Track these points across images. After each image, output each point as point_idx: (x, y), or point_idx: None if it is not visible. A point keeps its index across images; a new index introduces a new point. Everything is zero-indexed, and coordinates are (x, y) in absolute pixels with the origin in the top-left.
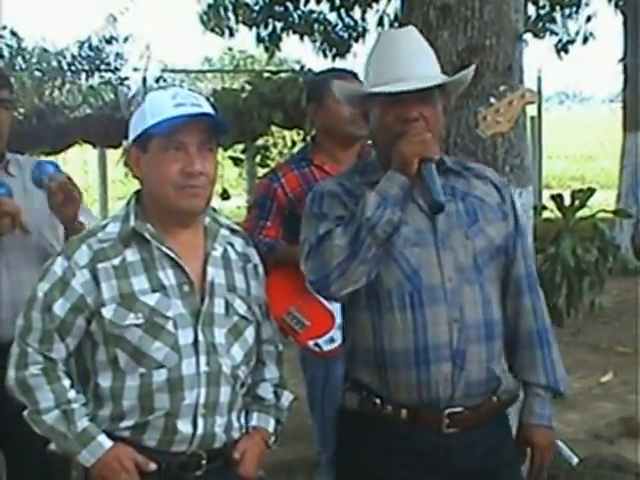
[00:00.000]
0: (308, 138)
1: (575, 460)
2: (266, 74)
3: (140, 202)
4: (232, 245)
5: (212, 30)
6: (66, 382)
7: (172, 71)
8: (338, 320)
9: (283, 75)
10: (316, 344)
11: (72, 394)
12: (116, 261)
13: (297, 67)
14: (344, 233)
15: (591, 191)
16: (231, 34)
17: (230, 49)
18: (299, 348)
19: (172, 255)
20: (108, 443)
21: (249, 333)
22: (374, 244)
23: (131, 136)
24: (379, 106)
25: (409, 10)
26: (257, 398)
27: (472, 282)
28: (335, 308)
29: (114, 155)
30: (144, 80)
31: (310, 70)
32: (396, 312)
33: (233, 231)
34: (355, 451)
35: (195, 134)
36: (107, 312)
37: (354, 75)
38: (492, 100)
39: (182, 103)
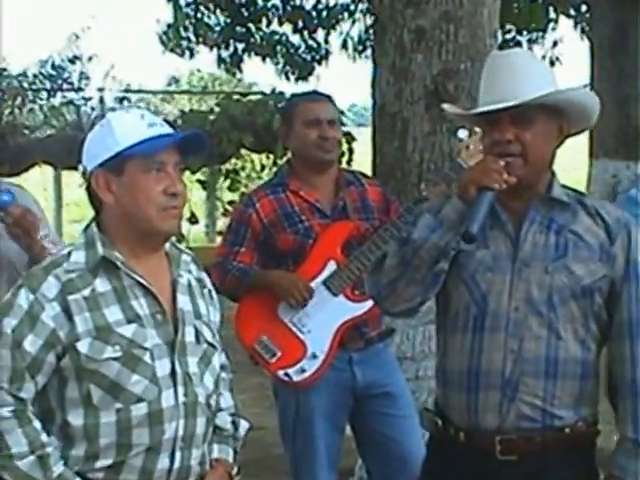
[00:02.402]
0: (278, 162)
1: None
2: (236, 96)
3: (102, 229)
4: (190, 271)
5: (172, 50)
6: (37, 424)
7: (139, 91)
8: (310, 350)
9: (253, 97)
10: (286, 374)
11: (45, 437)
12: (86, 292)
13: (268, 90)
14: (396, 253)
15: None
16: (191, 55)
17: (199, 70)
18: (272, 377)
19: (144, 283)
20: None
21: (216, 360)
22: (422, 266)
23: (96, 160)
24: (484, 127)
25: (382, 33)
26: (217, 429)
27: (541, 316)
28: (308, 337)
29: (69, 177)
30: (101, 99)
31: (281, 93)
32: (459, 334)
33: (188, 255)
34: (425, 474)
35: (173, 154)
36: (82, 346)
37: (329, 98)
38: (476, 129)
39: (154, 123)
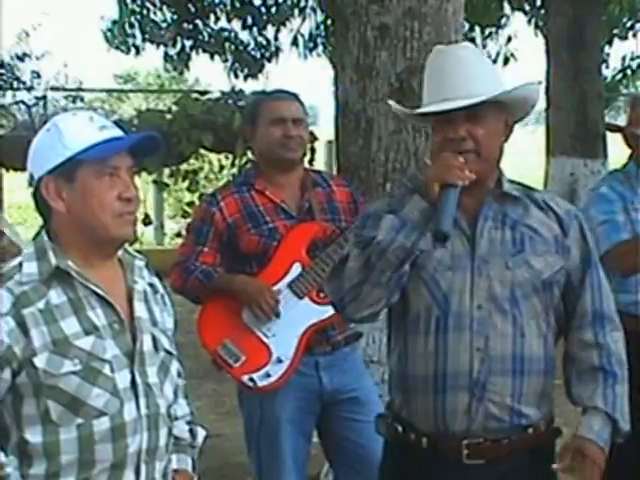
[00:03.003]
0: (237, 162)
1: None
2: (194, 95)
3: (52, 237)
4: (143, 277)
5: (117, 48)
6: None
7: (94, 90)
8: (275, 354)
9: (212, 96)
10: (251, 379)
11: (3, 457)
12: (41, 304)
13: (227, 88)
14: (358, 256)
15: None
16: (137, 52)
17: (165, 67)
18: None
19: (100, 293)
20: None
21: (174, 368)
22: (387, 269)
23: (44, 166)
24: (433, 127)
25: (345, 29)
26: (174, 438)
27: (505, 313)
28: (273, 342)
29: (12, 179)
30: (44, 100)
31: (241, 91)
32: (421, 336)
33: (141, 260)
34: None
35: (126, 158)
36: (40, 361)
37: (295, 96)
38: None
39: (104, 126)
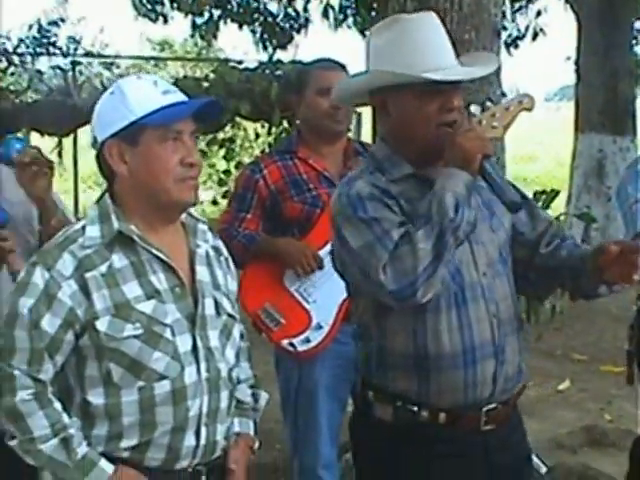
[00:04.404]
0: (274, 130)
1: (544, 469)
2: (231, 64)
3: (115, 200)
4: (207, 240)
5: (145, 16)
6: (58, 405)
7: (131, 57)
8: (315, 320)
9: (249, 65)
10: (291, 344)
11: (66, 418)
12: (103, 268)
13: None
14: (427, 236)
15: (555, 192)
16: (165, 21)
17: (192, 36)
18: (274, 348)
19: (162, 257)
20: (110, 468)
21: (236, 331)
22: (454, 245)
23: (108, 129)
24: (415, 95)
25: (384, 1)
26: (237, 402)
27: (501, 275)
28: (313, 307)
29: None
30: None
31: (280, 61)
32: (443, 313)
33: (204, 224)
34: (394, 464)
35: (189, 123)
36: (102, 325)
37: (342, 67)
38: (488, 104)
39: (168, 90)
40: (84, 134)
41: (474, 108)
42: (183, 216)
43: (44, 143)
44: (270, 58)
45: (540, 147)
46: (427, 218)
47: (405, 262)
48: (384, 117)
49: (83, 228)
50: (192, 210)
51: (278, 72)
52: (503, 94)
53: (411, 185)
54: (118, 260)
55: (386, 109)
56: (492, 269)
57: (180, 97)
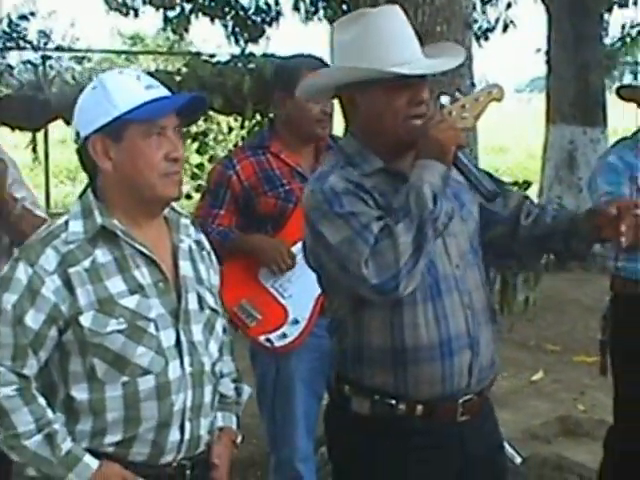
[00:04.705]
0: (247, 124)
1: (518, 460)
2: (203, 57)
3: (98, 195)
4: (189, 235)
5: (116, 10)
6: (42, 401)
7: (103, 51)
8: (292, 315)
9: (222, 59)
10: (267, 339)
11: (50, 414)
12: (86, 263)
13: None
14: (407, 229)
15: (527, 184)
16: (136, 15)
17: (164, 29)
18: (250, 343)
19: (146, 252)
20: (95, 463)
21: (219, 326)
22: (433, 237)
23: (92, 125)
24: (383, 90)
25: None
26: (220, 396)
27: (472, 266)
28: (290, 302)
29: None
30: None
31: (252, 54)
32: (418, 306)
33: (187, 218)
34: (371, 457)
35: (172, 117)
36: (85, 320)
37: (325, 64)
38: (457, 95)
39: (151, 85)
40: (56, 128)
41: (444, 99)
42: (166, 211)
43: (15, 138)
44: (242, 51)
45: (511, 138)
46: (406, 211)
47: (387, 256)
48: (352, 112)
49: (66, 223)
50: (175, 204)
51: (250, 65)
52: (473, 85)
53: (383, 179)
54: (101, 255)
55: (354, 104)
56: (464, 260)
57: (163, 92)
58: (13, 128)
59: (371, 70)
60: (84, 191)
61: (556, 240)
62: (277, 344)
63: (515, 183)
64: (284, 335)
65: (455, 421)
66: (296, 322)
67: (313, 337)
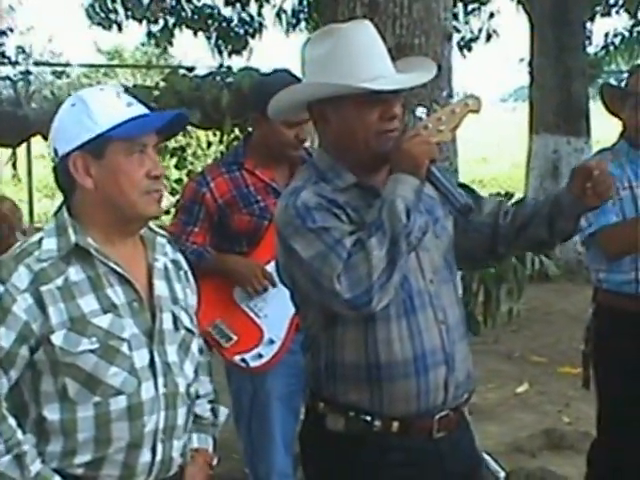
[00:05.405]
0: (225, 138)
1: (502, 474)
2: (181, 71)
3: (73, 213)
4: (166, 253)
5: (99, 24)
6: (12, 421)
7: (81, 66)
8: (267, 335)
9: (200, 73)
10: (242, 359)
11: (20, 435)
12: (59, 281)
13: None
14: (380, 243)
15: (509, 195)
16: (119, 29)
17: (143, 44)
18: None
19: (120, 271)
20: None
21: (195, 346)
22: (407, 251)
23: (72, 142)
24: (354, 105)
25: (334, 5)
26: (195, 417)
27: (447, 281)
28: (265, 322)
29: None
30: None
31: (229, 68)
32: (393, 322)
33: (163, 237)
34: (347, 475)
35: (152, 135)
36: (57, 339)
37: (300, 81)
38: (435, 107)
39: (131, 102)
40: (37, 144)
41: (420, 112)
42: (142, 230)
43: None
44: (220, 65)
45: (496, 148)
46: (379, 225)
47: (359, 270)
48: (324, 127)
49: (40, 241)
50: (151, 223)
51: (229, 79)
52: (451, 96)
53: (356, 194)
54: (75, 273)
55: (326, 119)
56: (438, 276)
57: (143, 109)
58: None
59: (341, 86)
60: (59, 209)
61: (539, 224)
62: (252, 364)
63: (497, 194)
64: (259, 355)
65: (432, 437)
66: (271, 342)
67: (289, 354)
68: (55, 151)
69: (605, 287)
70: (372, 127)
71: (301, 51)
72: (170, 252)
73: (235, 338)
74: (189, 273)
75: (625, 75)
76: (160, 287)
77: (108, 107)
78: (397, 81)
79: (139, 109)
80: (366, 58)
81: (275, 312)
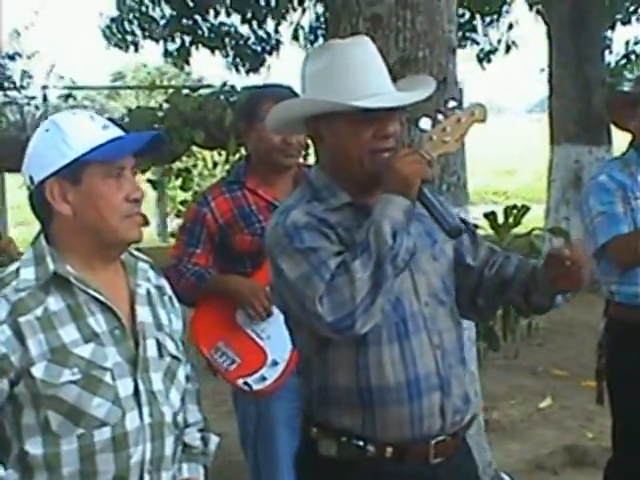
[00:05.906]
0: (231, 158)
1: None
2: (185, 91)
3: (51, 241)
4: (149, 279)
5: (116, 45)
6: None
7: (84, 88)
8: (270, 357)
9: (203, 92)
10: (245, 383)
11: (2, 471)
12: (38, 312)
13: (217, 83)
14: (364, 265)
15: (525, 208)
16: (136, 49)
17: (145, 65)
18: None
19: (101, 298)
20: None
21: (181, 374)
22: (393, 274)
23: (48, 168)
24: (348, 123)
25: (336, 21)
26: (185, 446)
27: (444, 305)
28: (268, 344)
29: (14, 179)
30: (45, 98)
31: (233, 87)
32: (384, 345)
33: (145, 262)
34: None
35: (130, 158)
36: (37, 371)
37: (295, 94)
38: (440, 117)
39: (106, 125)
40: None
41: (424, 123)
42: (122, 255)
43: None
44: (224, 84)
45: (520, 159)
46: (364, 246)
47: (342, 292)
48: (319, 145)
49: (17, 270)
50: (131, 248)
51: (232, 98)
52: (459, 108)
53: (349, 214)
54: (54, 303)
55: (321, 136)
56: (434, 299)
57: (118, 132)
58: (0, 170)
59: (334, 103)
60: (36, 237)
61: (515, 291)
62: (255, 387)
63: (514, 207)
64: (263, 378)
65: (428, 463)
66: (275, 364)
67: (293, 376)
68: (30, 179)
69: (617, 300)
70: (366, 145)
71: (300, 67)
72: (153, 277)
73: (239, 361)
74: (174, 298)
75: None
76: (143, 313)
77: (83, 131)
78: (392, 99)
79: (115, 132)
80: (363, 75)
81: (278, 333)
